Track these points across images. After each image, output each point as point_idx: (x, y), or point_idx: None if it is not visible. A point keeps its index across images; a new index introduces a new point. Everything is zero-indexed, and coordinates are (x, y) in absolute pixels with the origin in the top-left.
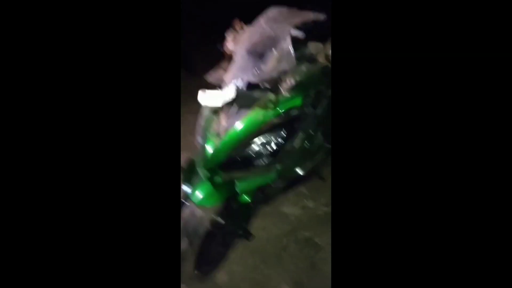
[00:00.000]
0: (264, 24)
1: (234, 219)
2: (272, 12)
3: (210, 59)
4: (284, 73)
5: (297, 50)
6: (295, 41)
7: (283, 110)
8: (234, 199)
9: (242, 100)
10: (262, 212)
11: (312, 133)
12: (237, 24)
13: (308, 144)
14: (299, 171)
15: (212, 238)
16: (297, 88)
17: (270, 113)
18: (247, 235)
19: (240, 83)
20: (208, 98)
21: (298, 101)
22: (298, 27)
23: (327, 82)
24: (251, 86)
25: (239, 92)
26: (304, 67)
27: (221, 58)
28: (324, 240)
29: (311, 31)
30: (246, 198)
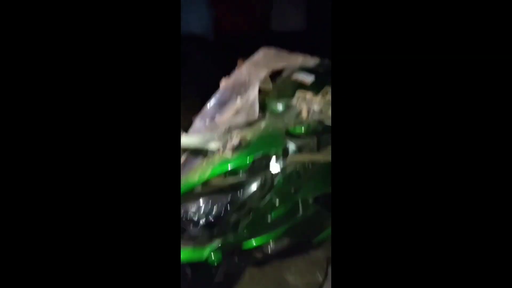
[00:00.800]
0: (245, 68)
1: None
2: (259, 53)
3: None
4: (238, 127)
5: (278, 100)
6: (296, 85)
7: (222, 173)
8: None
9: (189, 152)
10: (260, 275)
11: (277, 201)
12: (240, 63)
13: (272, 217)
14: (271, 245)
15: None
16: (243, 149)
17: (208, 175)
18: None
19: (193, 133)
20: None
21: (239, 165)
22: (308, 69)
23: (299, 144)
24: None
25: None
26: (263, 124)
27: None
28: None
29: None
30: (212, 259)
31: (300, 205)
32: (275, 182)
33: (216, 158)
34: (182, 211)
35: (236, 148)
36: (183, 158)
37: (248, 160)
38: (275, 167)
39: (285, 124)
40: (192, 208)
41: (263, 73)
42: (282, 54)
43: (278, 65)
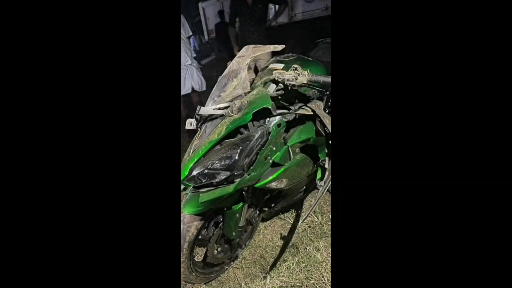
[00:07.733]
0: (234, 60)
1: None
2: (243, 49)
3: None
4: (238, 97)
5: (261, 79)
6: (271, 70)
7: (232, 129)
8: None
9: (205, 122)
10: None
11: (274, 148)
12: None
13: (271, 158)
14: (275, 184)
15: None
16: (245, 109)
17: (223, 133)
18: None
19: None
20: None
21: (244, 120)
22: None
23: (281, 101)
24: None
25: (199, 115)
26: (256, 91)
27: None
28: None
29: None
30: (236, 207)
31: (288, 150)
32: (270, 135)
33: (228, 120)
34: (208, 163)
35: (239, 109)
36: (203, 131)
37: (249, 117)
38: (268, 123)
39: (268, 91)
40: (215, 159)
41: (248, 60)
42: (258, 46)
43: (256, 54)
